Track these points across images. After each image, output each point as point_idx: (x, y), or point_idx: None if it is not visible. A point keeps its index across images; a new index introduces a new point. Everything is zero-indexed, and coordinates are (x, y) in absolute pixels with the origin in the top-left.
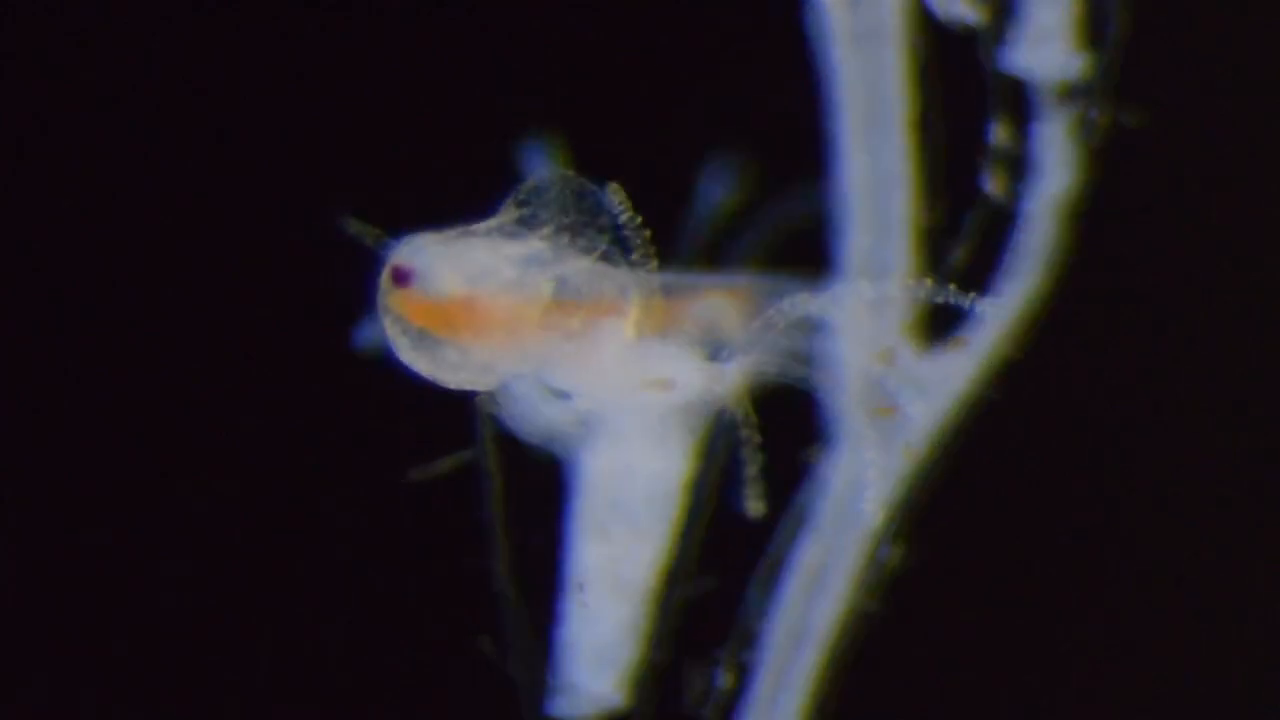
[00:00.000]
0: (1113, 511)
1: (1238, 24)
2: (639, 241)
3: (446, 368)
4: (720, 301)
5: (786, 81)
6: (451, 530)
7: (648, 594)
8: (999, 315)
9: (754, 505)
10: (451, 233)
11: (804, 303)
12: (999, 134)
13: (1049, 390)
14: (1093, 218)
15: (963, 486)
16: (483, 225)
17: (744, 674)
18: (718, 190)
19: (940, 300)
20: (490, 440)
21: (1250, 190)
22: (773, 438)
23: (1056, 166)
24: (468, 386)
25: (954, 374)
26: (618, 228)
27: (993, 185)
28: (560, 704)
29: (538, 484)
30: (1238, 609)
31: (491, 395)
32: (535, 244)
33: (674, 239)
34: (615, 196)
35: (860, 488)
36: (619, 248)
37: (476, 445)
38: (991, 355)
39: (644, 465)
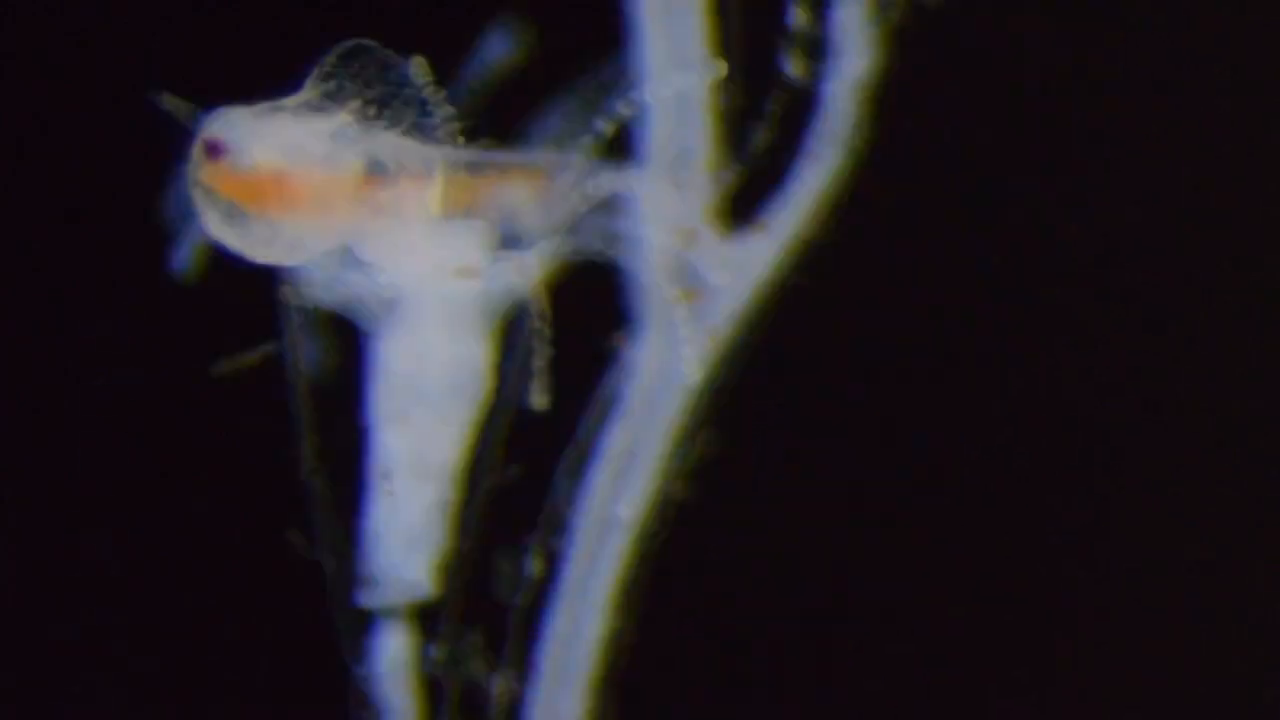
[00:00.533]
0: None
1: None
2: (443, 116)
3: (255, 242)
4: (525, 179)
5: None
6: (259, 426)
7: (454, 480)
8: (800, 198)
9: (539, 396)
10: (261, 107)
11: (607, 183)
12: (797, 17)
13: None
14: (891, 100)
15: (766, 370)
16: (291, 100)
17: (553, 562)
18: (502, 56)
19: (741, 183)
20: (296, 329)
21: (1043, 67)
22: (579, 322)
23: (855, 48)
24: (275, 261)
25: (757, 257)
26: (422, 101)
27: (792, 68)
28: (369, 594)
29: (343, 371)
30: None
31: (296, 275)
32: (343, 118)
33: (475, 114)
34: (419, 69)
35: (666, 373)
36: (424, 122)
37: (283, 335)
38: (793, 238)
39: (443, 348)
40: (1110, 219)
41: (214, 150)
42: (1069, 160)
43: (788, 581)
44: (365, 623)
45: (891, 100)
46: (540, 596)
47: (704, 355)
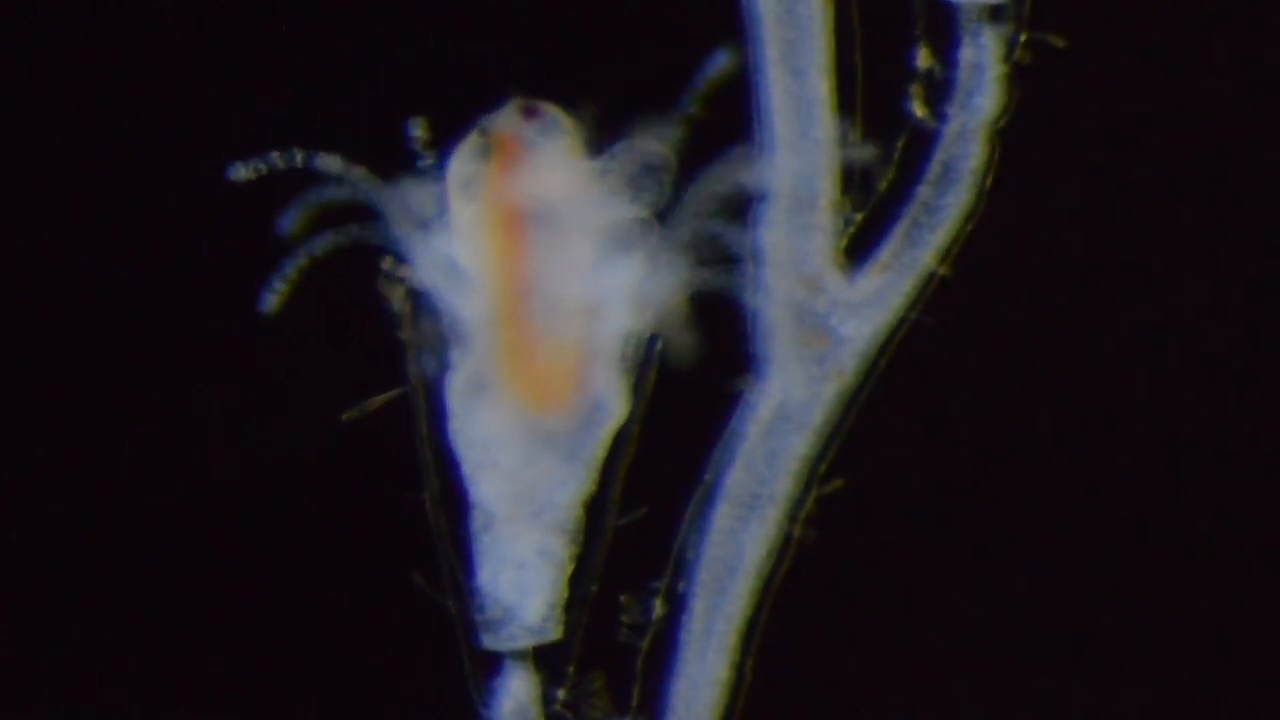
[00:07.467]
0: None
1: None
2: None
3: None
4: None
5: (707, 10)
6: (383, 469)
7: (575, 521)
8: (926, 236)
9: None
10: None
11: (732, 228)
12: (923, 57)
13: (976, 313)
14: (1015, 140)
15: (893, 410)
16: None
17: (677, 603)
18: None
19: (865, 222)
20: (421, 379)
21: (1167, 108)
22: (703, 364)
23: (981, 88)
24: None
25: (882, 296)
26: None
27: (917, 108)
28: (492, 636)
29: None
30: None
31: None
32: (633, 211)
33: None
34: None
35: (791, 413)
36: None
37: (408, 381)
38: (918, 276)
39: None
40: (1245, 269)
41: (531, 112)
42: (1194, 200)
43: (911, 622)
44: (489, 665)
45: (1016, 139)
46: (664, 638)
47: (829, 395)
